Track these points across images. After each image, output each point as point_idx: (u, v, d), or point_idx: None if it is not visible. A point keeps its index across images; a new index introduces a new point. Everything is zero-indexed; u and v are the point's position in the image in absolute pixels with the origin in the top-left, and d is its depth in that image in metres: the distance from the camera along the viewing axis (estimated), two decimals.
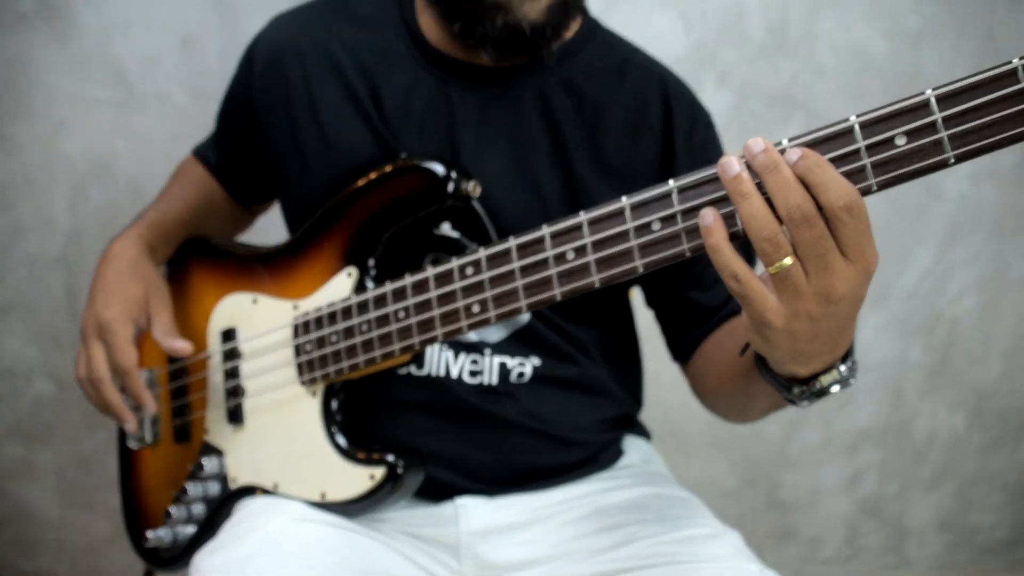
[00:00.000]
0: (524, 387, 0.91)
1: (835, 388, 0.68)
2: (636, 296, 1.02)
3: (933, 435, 1.80)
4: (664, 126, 0.92)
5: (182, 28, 1.47)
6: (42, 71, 1.48)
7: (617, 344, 1.00)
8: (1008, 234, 1.75)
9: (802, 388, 0.68)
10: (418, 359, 0.89)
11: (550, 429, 0.91)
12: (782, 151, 0.59)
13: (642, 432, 1.06)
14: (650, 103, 0.92)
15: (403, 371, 0.90)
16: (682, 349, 0.96)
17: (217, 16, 1.47)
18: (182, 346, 0.94)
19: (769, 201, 0.58)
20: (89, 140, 1.50)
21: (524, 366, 0.90)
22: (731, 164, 0.59)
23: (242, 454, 0.94)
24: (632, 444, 1.01)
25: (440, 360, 0.89)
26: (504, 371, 0.90)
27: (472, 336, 0.89)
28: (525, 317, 0.90)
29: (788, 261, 0.58)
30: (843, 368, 0.67)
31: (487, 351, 0.90)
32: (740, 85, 1.57)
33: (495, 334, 0.90)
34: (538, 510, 0.91)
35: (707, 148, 0.94)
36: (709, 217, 0.60)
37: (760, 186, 0.59)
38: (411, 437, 0.90)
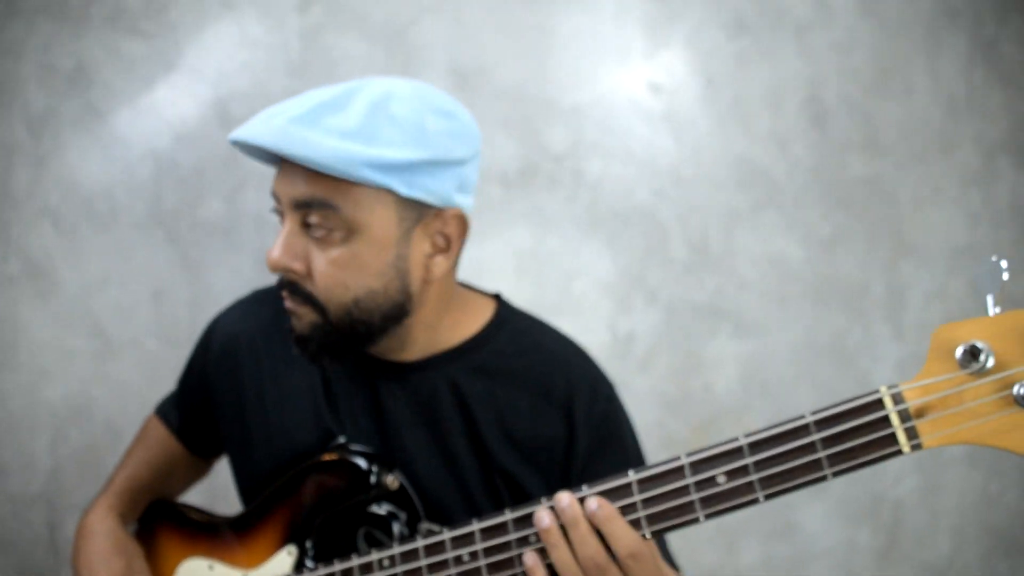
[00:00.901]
0: None
1: None
2: None
3: None
4: (567, 405, 1.00)
5: (153, 283, 1.62)
6: (27, 326, 1.62)
7: None
8: None
9: None
10: None
11: None
12: (584, 500, 0.74)
13: None
14: (555, 385, 1.00)
15: None
16: None
17: (184, 271, 1.61)
18: None
19: None
20: (69, 387, 1.63)
21: None
22: (542, 518, 0.75)
23: None
24: None
25: None
26: None
27: None
28: None
29: None
30: None
31: None
32: (668, 302, 1.70)
33: None
34: None
35: (607, 420, 1.02)
36: (530, 560, 0.77)
37: None
38: None
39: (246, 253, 1.62)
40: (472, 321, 1.04)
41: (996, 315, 0.64)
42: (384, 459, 0.98)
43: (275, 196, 0.93)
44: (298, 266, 0.91)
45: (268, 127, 0.89)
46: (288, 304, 0.94)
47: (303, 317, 0.94)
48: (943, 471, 1.84)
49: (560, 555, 0.73)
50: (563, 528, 0.74)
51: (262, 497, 1.02)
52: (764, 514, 1.75)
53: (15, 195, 1.61)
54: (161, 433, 1.20)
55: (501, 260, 1.65)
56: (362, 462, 0.96)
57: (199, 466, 1.25)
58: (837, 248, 1.78)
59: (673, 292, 1.70)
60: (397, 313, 0.96)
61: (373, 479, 0.95)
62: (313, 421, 1.02)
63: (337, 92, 0.91)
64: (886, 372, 1.80)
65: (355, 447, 0.99)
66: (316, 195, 0.88)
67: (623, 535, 0.71)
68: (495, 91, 1.64)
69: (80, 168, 1.62)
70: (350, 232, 0.90)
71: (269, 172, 1.59)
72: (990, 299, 0.64)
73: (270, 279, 1.07)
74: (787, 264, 1.75)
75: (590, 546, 0.71)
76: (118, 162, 1.62)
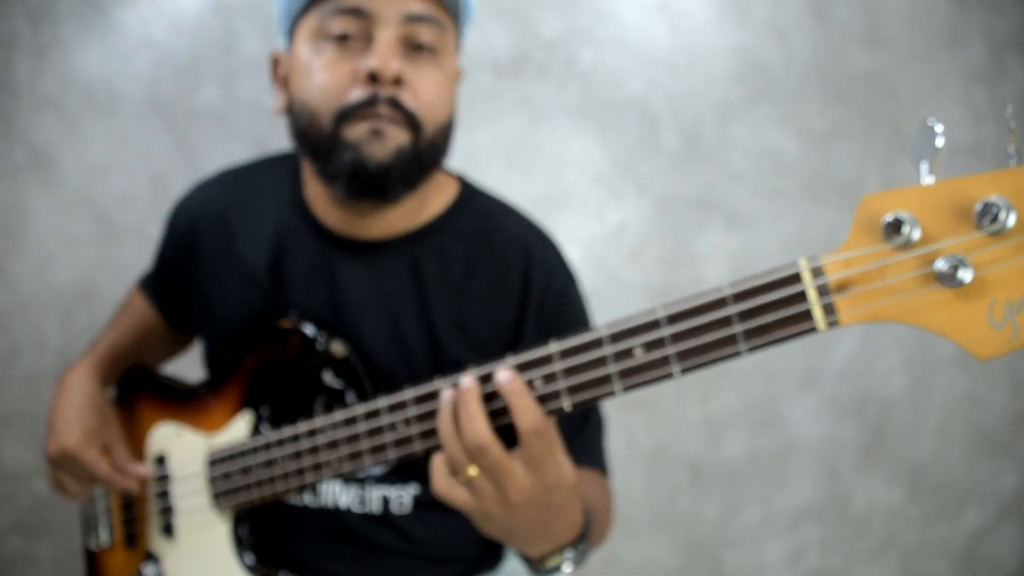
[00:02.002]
0: (406, 517, 1.03)
1: (565, 567, 0.79)
2: None
3: (872, 509, 1.87)
4: (521, 294, 1.01)
5: (152, 170, 1.66)
6: (33, 213, 1.67)
7: None
8: None
9: (535, 566, 0.80)
10: (313, 489, 1.03)
11: (430, 552, 1.04)
12: (489, 376, 0.73)
13: None
14: (511, 270, 1.01)
15: (301, 504, 1.03)
16: None
17: (182, 158, 1.65)
18: (142, 470, 1.09)
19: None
20: (75, 270, 1.69)
21: (403, 496, 1.03)
22: (443, 395, 0.75)
23: (175, 564, 1.09)
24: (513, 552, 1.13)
25: (331, 492, 1.03)
26: (385, 501, 1.03)
27: None
28: None
29: (472, 472, 0.72)
30: (569, 553, 0.78)
31: (369, 484, 1.02)
32: (659, 193, 1.70)
33: (378, 467, 1.03)
34: None
35: (559, 316, 1.02)
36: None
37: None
38: (308, 558, 1.03)
39: (241, 139, 1.64)
40: (435, 200, 1.04)
41: (926, 185, 0.58)
42: (332, 328, 1.01)
43: (363, 11, 0.89)
44: (403, 74, 0.90)
45: None
46: (381, 124, 0.90)
47: (391, 139, 0.90)
48: (932, 371, 1.85)
49: (445, 428, 0.73)
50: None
51: (221, 365, 1.07)
52: (750, 407, 1.78)
53: (17, 85, 1.65)
54: (142, 304, 1.25)
55: (491, 149, 1.66)
56: (309, 329, 0.99)
57: (177, 339, 1.30)
58: (834, 143, 1.75)
59: (664, 183, 1.70)
60: (446, 155, 0.99)
61: (320, 346, 0.98)
62: (269, 296, 1.05)
63: None
64: None
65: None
66: (430, 11, 0.91)
67: (527, 410, 0.70)
68: None
69: (79, 58, 1.65)
70: (437, 56, 0.94)
71: (263, 60, 1.61)
72: (924, 166, 0.59)
73: None
74: (781, 158, 1.73)
75: (474, 425, 0.70)
76: (116, 51, 1.64)
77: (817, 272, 0.61)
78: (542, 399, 0.72)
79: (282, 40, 0.99)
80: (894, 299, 0.59)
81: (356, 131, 0.91)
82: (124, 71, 1.64)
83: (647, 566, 1.77)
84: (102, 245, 1.68)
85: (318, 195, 1.03)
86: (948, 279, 0.57)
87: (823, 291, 0.61)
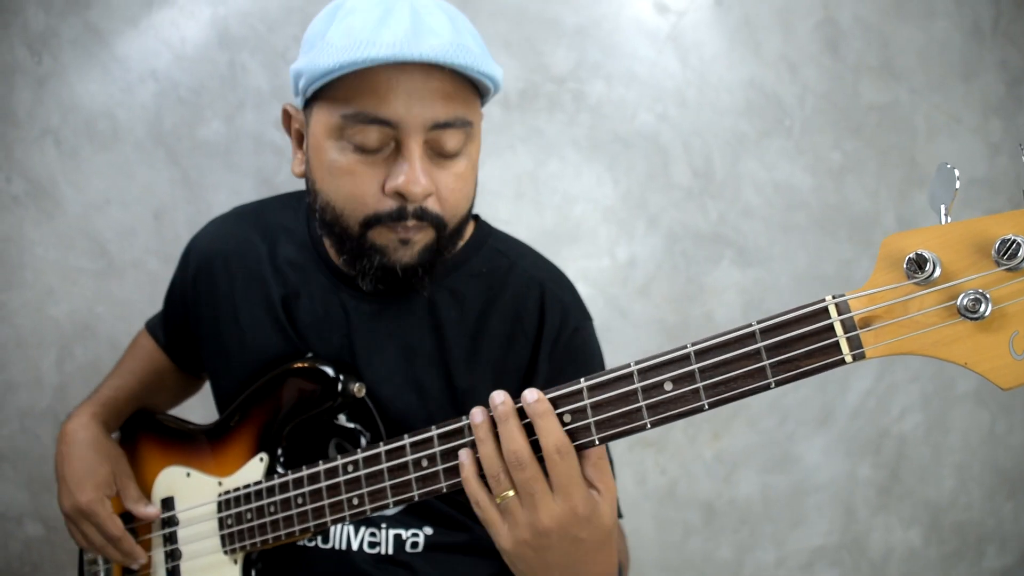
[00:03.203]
0: (418, 556, 1.05)
1: None
2: None
3: (890, 550, 1.89)
4: (536, 331, 1.05)
5: (154, 203, 1.70)
6: (32, 245, 1.70)
7: None
8: None
9: None
10: (323, 533, 1.05)
11: None
12: (515, 403, 0.76)
13: None
14: (527, 309, 1.06)
15: (312, 543, 1.06)
16: None
17: (185, 191, 1.69)
18: (152, 511, 1.11)
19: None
20: (73, 305, 1.72)
21: (417, 536, 1.06)
22: (476, 414, 0.78)
23: None
24: None
25: (343, 534, 1.06)
26: (399, 541, 1.05)
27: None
28: None
29: (510, 494, 0.76)
30: None
31: (383, 524, 1.05)
32: (669, 228, 1.74)
33: (391, 508, 1.06)
34: None
35: (572, 353, 1.06)
36: (463, 456, 0.80)
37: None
38: None
39: (245, 173, 1.68)
40: None
41: (946, 224, 0.63)
42: (351, 368, 1.04)
43: (389, 122, 0.90)
44: (433, 189, 0.94)
45: (431, 44, 0.87)
46: (409, 234, 0.94)
47: (418, 243, 0.96)
48: (949, 408, 1.88)
49: (486, 449, 0.76)
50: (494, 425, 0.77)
51: (235, 406, 1.10)
52: (764, 445, 1.81)
53: (17, 116, 1.69)
54: (149, 347, 1.28)
55: (500, 183, 1.70)
56: (330, 369, 1.03)
57: (187, 382, 1.34)
58: (847, 176, 1.80)
59: (675, 218, 1.74)
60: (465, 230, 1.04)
61: (340, 386, 1.02)
62: (283, 338, 1.08)
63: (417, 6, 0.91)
64: None
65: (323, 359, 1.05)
66: (458, 114, 0.92)
67: (553, 430, 0.74)
68: (496, 9, 1.67)
69: (81, 88, 1.69)
70: (463, 153, 0.96)
71: (267, 92, 1.66)
72: (942, 208, 0.64)
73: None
74: (794, 192, 1.78)
75: (515, 441, 0.74)
76: (118, 82, 1.68)
77: (843, 308, 0.66)
78: (570, 434, 0.75)
79: (296, 99, 1.01)
80: (917, 332, 0.64)
81: (384, 238, 0.96)
82: (126, 103, 1.68)
83: None
84: (102, 279, 1.72)
85: (331, 244, 1.07)
86: (970, 313, 0.61)
87: (849, 326, 0.66)
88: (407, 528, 1.06)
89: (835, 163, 1.80)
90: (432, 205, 0.94)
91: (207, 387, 1.36)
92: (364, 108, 0.90)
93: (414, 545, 1.06)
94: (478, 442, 0.77)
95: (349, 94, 0.90)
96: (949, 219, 0.64)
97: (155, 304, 1.37)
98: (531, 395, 0.75)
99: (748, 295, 1.77)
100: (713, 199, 1.75)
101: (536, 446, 0.75)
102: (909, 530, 1.89)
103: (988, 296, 0.60)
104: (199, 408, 1.37)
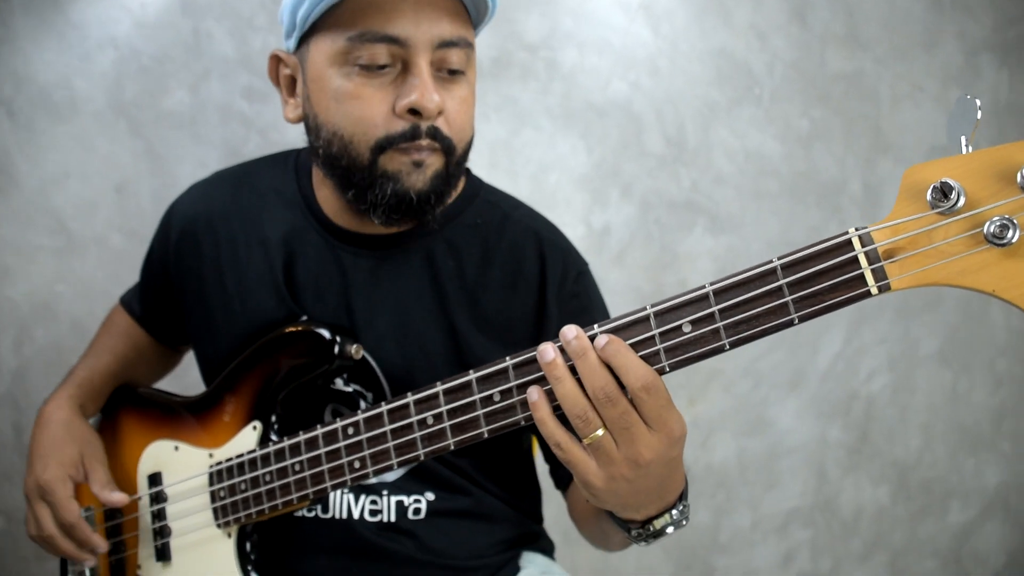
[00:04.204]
0: (421, 522, 1.03)
1: (670, 529, 0.81)
2: None
3: (860, 509, 1.94)
4: (539, 278, 1.04)
5: (116, 177, 1.64)
6: None
7: (510, 470, 1.12)
8: (913, 313, 1.92)
9: (639, 530, 0.81)
10: (323, 502, 1.03)
11: (447, 560, 1.04)
12: (592, 337, 0.72)
13: (543, 545, 1.17)
14: (526, 257, 1.04)
15: (311, 514, 1.04)
16: (559, 480, 1.08)
17: (148, 164, 1.64)
18: (118, 498, 1.06)
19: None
20: (32, 285, 1.66)
21: (420, 502, 1.04)
22: (547, 351, 0.72)
23: None
24: (529, 559, 1.13)
25: (342, 503, 1.03)
26: (401, 508, 1.03)
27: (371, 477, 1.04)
28: None
29: (600, 433, 0.71)
30: (675, 512, 0.80)
31: (384, 491, 1.03)
32: (643, 196, 1.75)
33: (392, 474, 1.04)
34: None
35: (579, 296, 1.06)
36: (534, 395, 0.74)
37: (574, 369, 0.72)
38: (326, 575, 1.03)
39: (212, 144, 1.64)
40: None
41: (968, 153, 0.63)
42: (347, 330, 1.01)
43: (400, 40, 0.90)
44: (444, 105, 0.93)
45: None
46: (423, 155, 0.93)
47: (429, 167, 0.94)
48: (914, 369, 1.93)
49: (564, 389, 0.71)
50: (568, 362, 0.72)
51: (225, 374, 1.06)
52: (738, 410, 1.84)
53: None
54: (125, 322, 1.24)
55: (474, 153, 1.64)
56: (325, 332, 1.00)
57: (166, 356, 1.29)
58: (815, 144, 1.83)
59: (648, 186, 1.75)
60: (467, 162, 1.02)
61: (336, 348, 0.99)
62: (276, 301, 1.05)
63: None
64: None
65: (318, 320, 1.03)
66: (461, 34, 0.93)
67: (636, 366, 0.69)
68: None
69: (35, 57, 1.62)
70: (465, 75, 0.96)
71: (234, 61, 1.62)
72: (963, 140, 0.63)
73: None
74: (764, 159, 1.80)
75: (600, 376, 0.69)
76: (75, 50, 1.62)
77: (866, 240, 0.65)
78: None
79: (289, 41, 0.99)
80: (943, 262, 0.63)
81: (396, 163, 0.93)
82: (84, 71, 1.62)
83: (639, 575, 1.81)
84: (62, 257, 1.65)
85: (328, 197, 1.05)
86: (997, 239, 0.61)
87: (873, 258, 0.65)
88: (409, 494, 1.04)
89: (803, 131, 1.82)
90: (442, 126, 0.93)
91: (184, 366, 1.34)
92: (371, 27, 0.89)
93: (416, 512, 1.04)
94: (554, 381, 0.71)
95: (354, 16, 0.90)
96: (971, 149, 0.63)
97: (119, 281, 1.33)
98: (602, 338, 0.70)
99: (721, 262, 1.79)
100: (686, 167, 1.76)
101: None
102: (878, 489, 1.94)
103: (1015, 222, 0.60)
104: (173, 387, 1.33)
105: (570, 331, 0.71)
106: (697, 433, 1.83)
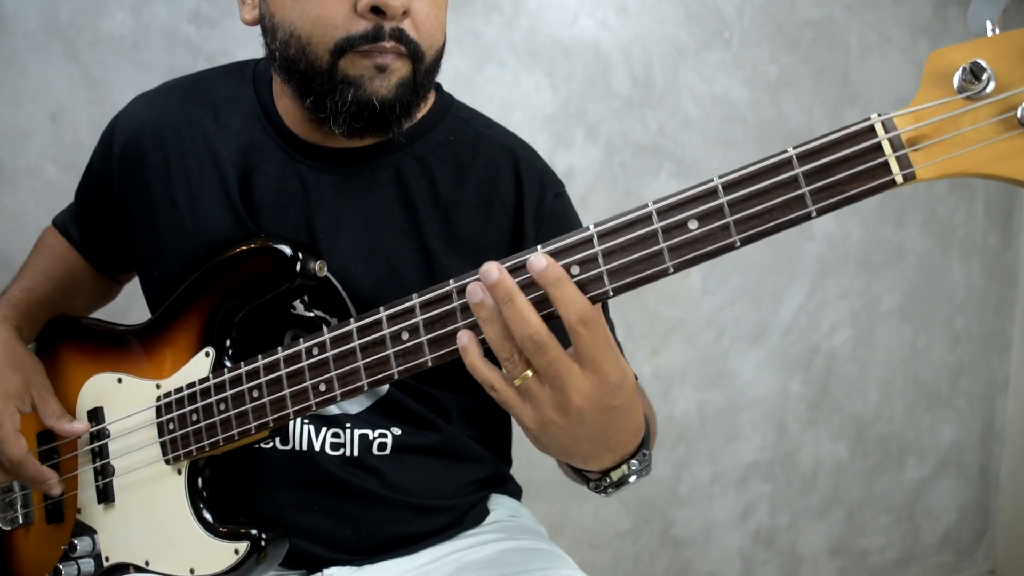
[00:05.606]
0: (386, 458, 0.98)
1: (632, 479, 0.77)
2: None
3: (818, 464, 1.95)
4: (515, 198, 0.99)
5: (50, 103, 1.55)
6: None
7: (481, 407, 1.06)
8: (875, 268, 1.93)
9: (596, 481, 0.78)
10: (282, 434, 0.97)
11: (413, 499, 0.99)
12: (521, 266, 0.68)
13: (511, 489, 1.14)
14: (501, 176, 1.00)
15: (268, 446, 0.98)
16: None
17: (86, 90, 1.54)
18: (80, 427, 1.00)
19: None
20: None
21: (385, 437, 0.98)
22: (475, 292, 0.68)
23: (114, 532, 1.01)
24: (498, 502, 1.10)
25: (303, 434, 0.97)
26: (365, 443, 0.98)
27: (334, 409, 0.97)
28: (384, 387, 0.99)
29: (529, 373, 0.67)
30: (634, 463, 0.76)
31: (348, 424, 0.98)
32: (608, 138, 1.71)
33: (355, 406, 0.98)
34: (405, 574, 0.99)
35: (557, 217, 1.02)
36: (464, 339, 0.70)
37: None
38: (278, 511, 0.97)
39: (155, 71, 1.55)
40: None
41: (998, 35, 0.59)
42: (310, 247, 0.95)
43: None
44: (409, 4, 0.86)
45: None
46: (386, 59, 0.87)
47: (394, 73, 0.88)
48: (875, 324, 1.95)
49: (492, 331, 0.67)
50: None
51: (174, 297, 0.99)
52: (700, 361, 1.83)
53: None
54: (61, 246, 1.16)
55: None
56: (286, 248, 0.93)
57: (104, 286, 1.21)
58: (783, 91, 1.81)
59: (614, 128, 1.71)
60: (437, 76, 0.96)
61: (298, 265, 0.92)
62: (231, 218, 0.98)
63: None
64: (826, 222, 1.87)
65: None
66: None
67: (573, 299, 0.65)
68: None
69: None
70: None
71: None
72: (988, 24, 0.60)
73: None
74: (732, 105, 1.78)
75: (528, 323, 0.65)
76: None
77: (888, 126, 0.61)
78: (581, 286, 0.68)
79: None
80: (971, 148, 0.60)
81: (358, 67, 0.87)
82: None
83: (598, 530, 1.80)
84: None
85: (288, 107, 0.99)
86: None
87: (896, 145, 0.61)
88: (374, 428, 0.99)
89: (771, 77, 1.81)
90: (409, 28, 0.87)
91: (125, 302, 1.27)
92: None
93: (381, 447, 0.99)
94: (481, 322, 0.68)
95: None
96: (997, 31, 0.60)
97: (52, 215, 1.25)
98: (539, 262, 0.65)
99: None
100: (652, 109, 1.73)
101: (550, 316, 0.68)
102: (836, 444, 1.96)
103: None
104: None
105: (492, 271, 0.67)
106: (659, 385, 1.82)
